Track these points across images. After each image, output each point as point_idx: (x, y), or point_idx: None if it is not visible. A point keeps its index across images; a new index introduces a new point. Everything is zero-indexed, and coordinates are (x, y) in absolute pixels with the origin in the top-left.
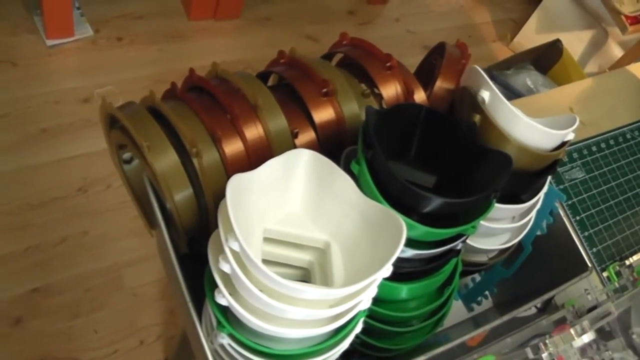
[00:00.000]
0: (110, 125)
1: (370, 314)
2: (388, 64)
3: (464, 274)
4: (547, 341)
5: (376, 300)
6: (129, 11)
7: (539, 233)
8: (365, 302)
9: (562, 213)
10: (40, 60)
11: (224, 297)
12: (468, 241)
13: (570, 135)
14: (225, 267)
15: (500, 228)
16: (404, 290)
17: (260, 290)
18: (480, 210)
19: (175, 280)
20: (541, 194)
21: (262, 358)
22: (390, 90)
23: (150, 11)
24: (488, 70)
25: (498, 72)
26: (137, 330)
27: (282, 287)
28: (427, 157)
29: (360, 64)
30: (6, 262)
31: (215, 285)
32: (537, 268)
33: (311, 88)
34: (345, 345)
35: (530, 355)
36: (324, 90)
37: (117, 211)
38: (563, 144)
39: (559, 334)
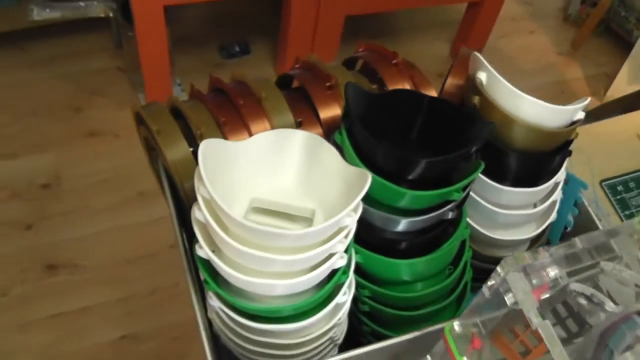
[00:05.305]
0: (139, 123)
1: (378, 299)
2: (394, 61)
3: (491, 272)
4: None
5: (382, 282)
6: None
7: (567, 229)
8: (340, 257)
9: (586, 204)
10: None
11: (202, 249)
12: (491, 234)
13: (579, 114)
14: (199, 215)
15: (519, 215)
16: (404, 267)
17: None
18: (466, 172)
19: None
20: (558, 178)
21: (251, 321)
22: (396, 86)
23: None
24: None
25: None
26: None
27: (247, 231)
28: (430, 145)
29: (371, 65)
30: (99, 311)
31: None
32: None
33: (317, 84)
34: (337, 314)
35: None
36: (328, 84)
37: None
38: (573, 123)
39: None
